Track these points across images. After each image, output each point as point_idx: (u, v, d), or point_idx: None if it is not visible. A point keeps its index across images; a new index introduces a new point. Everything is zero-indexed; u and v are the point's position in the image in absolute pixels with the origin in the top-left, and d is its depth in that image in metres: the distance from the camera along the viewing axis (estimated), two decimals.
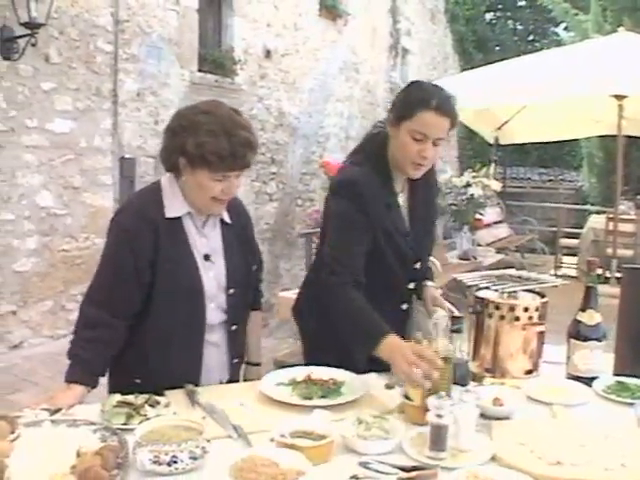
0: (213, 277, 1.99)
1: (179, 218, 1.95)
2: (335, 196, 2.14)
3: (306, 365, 2.12)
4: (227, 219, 2.06)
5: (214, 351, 2.04)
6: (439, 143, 2.06)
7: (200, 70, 7.04)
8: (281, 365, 2.21)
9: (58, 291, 5.56)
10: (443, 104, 2.02)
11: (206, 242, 2.00)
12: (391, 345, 1.83)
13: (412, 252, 2.18)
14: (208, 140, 1.82)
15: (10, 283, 5.18)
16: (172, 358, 1.95)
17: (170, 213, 1.94)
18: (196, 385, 1.94)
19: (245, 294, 2.10)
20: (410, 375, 1.71)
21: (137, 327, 1.95)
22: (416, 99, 2.04)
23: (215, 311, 2.00)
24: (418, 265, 2.22)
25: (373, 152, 2.16)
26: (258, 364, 2.28)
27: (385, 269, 2.12)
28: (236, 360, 2.12)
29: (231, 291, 2.02)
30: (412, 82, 2.20)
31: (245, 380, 2.20)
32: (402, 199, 2.20)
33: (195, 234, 1.98)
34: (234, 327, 2.06)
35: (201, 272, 1.96)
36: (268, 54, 8.12)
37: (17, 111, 5.11)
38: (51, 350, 5.06)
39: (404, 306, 2.23)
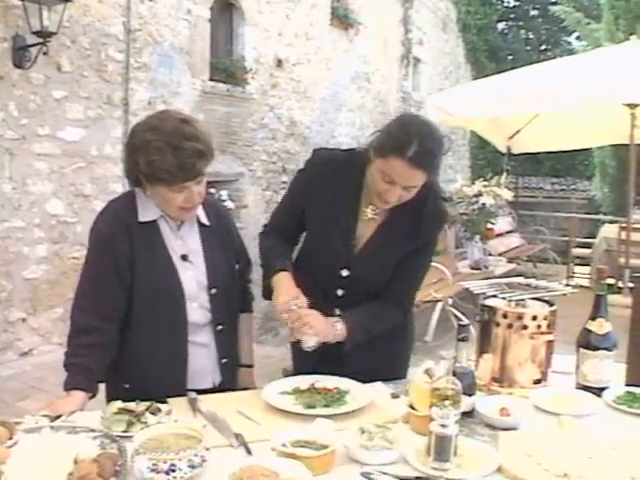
0: (192, 277, 2.00)
1: (154, 221, 1.99)
2: None
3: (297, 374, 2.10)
4: (205, 221, 2.08)
5: (203, 352, 2.05)
6: (410, 190, 1.91)
7: (211, 79, 7.07)
8: (290, 374, 2.18)
9: (68, 299, 5.53)
10: (419, 155, 1.81)
11: (182, 243, 2.03)
12: (277, 281, 2.01)
13: (344, 255, 2.07)
14: (156, 158, 1.83)
15: (20, 290, 5.20)
16: (158, 360, 1.96)
17: (143, 217, 1.97)
18: (185, 387, 1.96)
19: (229, 294, 2.10)
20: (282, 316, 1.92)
21: (122, 331, 1.96)
22: (394, 141, 1.85)
23: (198, 310, 2.02)
24: (345, 273, 2.08)
25: (357, 152, 2.07)
26: (250, 366, 2.26)
27: (319, 251, 2.14)
28: (225, 360, 2.10)
29: (213, 291, 2.03)
30: (403, 115, 2.05)
31: (239, 383, 2.18)
32: (371, 212, 2.07)
33: (171, 236, 2.01)
34: (220, 327, 2.06)
35: (179, 272, 1.98)
36: (279, 63, 8.14)
37: (29, 119, 5.14)
38: (60, 357, 4.89)
39: (339, 292, 2.12)
